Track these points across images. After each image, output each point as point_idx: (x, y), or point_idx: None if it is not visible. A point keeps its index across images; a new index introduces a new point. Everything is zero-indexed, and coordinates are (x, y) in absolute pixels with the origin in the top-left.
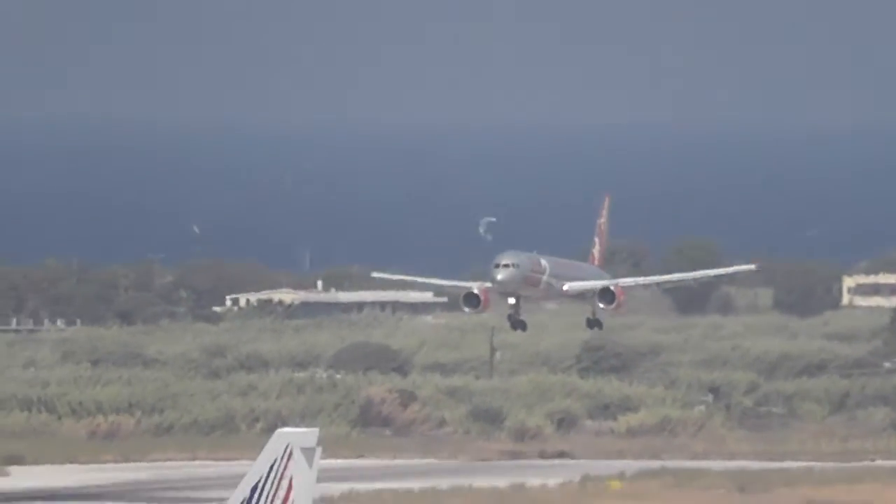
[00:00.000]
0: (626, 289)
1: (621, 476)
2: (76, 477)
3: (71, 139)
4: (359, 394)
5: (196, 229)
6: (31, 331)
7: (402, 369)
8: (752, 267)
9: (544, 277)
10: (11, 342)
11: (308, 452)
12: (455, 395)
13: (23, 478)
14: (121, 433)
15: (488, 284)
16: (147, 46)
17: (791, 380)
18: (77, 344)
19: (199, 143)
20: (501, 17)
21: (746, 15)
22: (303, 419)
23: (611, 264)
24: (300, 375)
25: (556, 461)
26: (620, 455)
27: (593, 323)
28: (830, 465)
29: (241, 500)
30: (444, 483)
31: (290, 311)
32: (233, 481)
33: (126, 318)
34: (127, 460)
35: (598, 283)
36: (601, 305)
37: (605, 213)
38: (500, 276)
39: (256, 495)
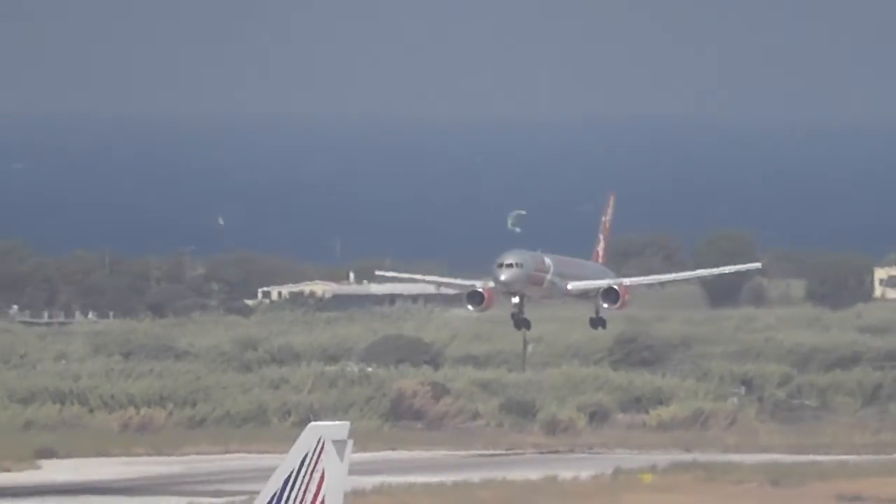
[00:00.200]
0: (630, 287)
1: (653, 469)
2: (108, 470)
3: (100, 134)
4: (390, 387)
5: (221, 221)
6: (63, 323)
7: (434, 362)
8: (758, 265)
9: (548, 276)
10: (43, 335)
11: (340, 445)
12: (487, 388)
13: (54, 471)
14: (153, 426)
15: (492, 283)
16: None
17: (824, 372)
18: (109, 336)
19: (226, 137)
20: (516, 14)
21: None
22: (334, 412)
23: (642, 258)
24: (332, 368)
25: (588, 454)
26: (652, 448)
27: (597, 322)
28: (863, 457)
29: (273, 492)
30: (475, 476)
31: (322, 303)
32: (265, 474)
33: (158, 310)
34: (159, 453)
35: (601, 283)
36: (605, 305)
37: (609, 211)
38: (503, 275)
39: (288, 488)
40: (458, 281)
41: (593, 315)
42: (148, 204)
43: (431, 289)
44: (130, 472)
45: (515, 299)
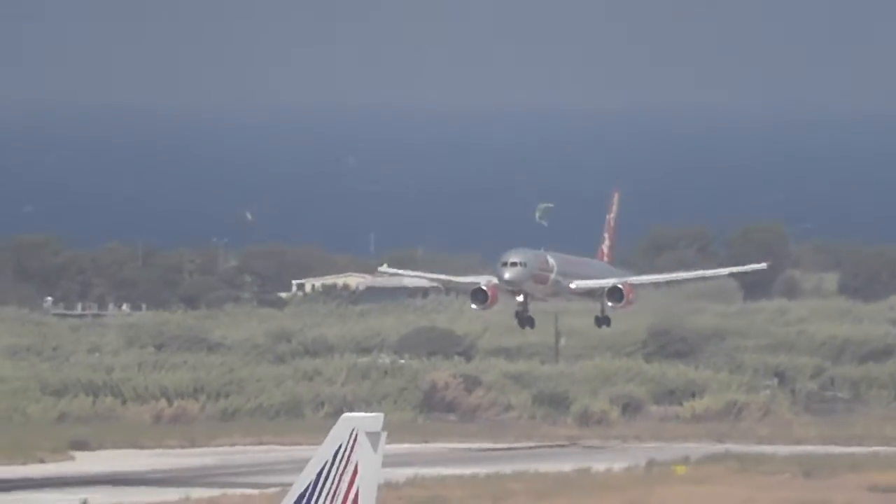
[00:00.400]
0: (635, 286)
1: (686, 461)
2: (141, 461)
3: (135, 127)
4: (423, 379)
5: (249, 216)
6: (96, 315)
7: (466, 354)
8: (763, 266)
9: (552, 275)
10: (77, 327)
11: (373, 437)
12: (520, 381)
13: (88, 462)
14: (185, 418)
15: (496, 281)
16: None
17: (856, 365)
18: (142, 329)
19: (260, 129)
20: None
21: None
22: (367, 404)
23: (676, 250)
24: (365, 360)
25: (621, 445)
26: (685, 440)
27: (602, 321)
28: (895, 449)
29: (306, 484)
30: (508, 468)
31: (356, 295)
32: (298, 466)
33: (191, 302)
34: (192, 445)
35: (606, 282)
36: (609, 304)
37: (614, 208)
38: (507, 274)
39: (321, 480)
40: (463, 279)
41: (598, 314)
42: (182, 196)
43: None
44: (163, 463)
45: (520, 298)
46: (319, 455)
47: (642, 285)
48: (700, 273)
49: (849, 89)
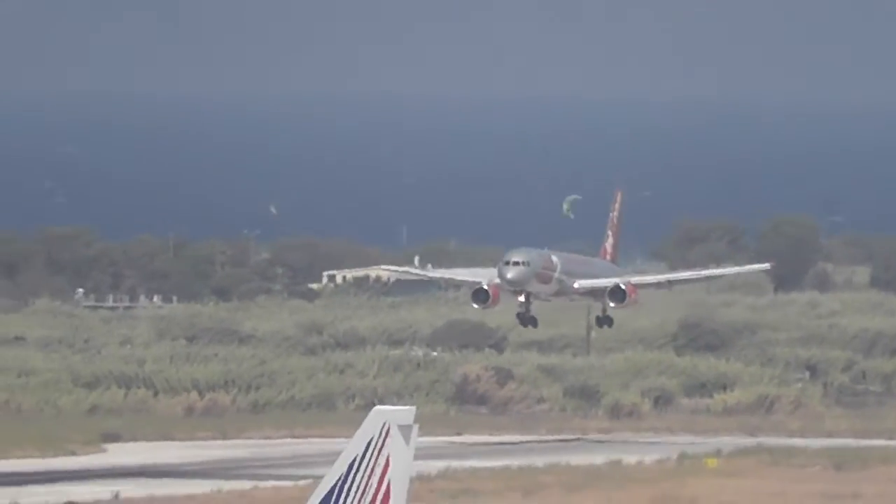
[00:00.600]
0: (638, 285)
1: (717, 454)
2: (173, 453)
3: (165, 117)
4: (455, 371)
5: (274, 210)
6: (128, 307)
7: (498, 347)
8: (767, 266)
9: (555, 274)
10: (108, 319)
11: (405, 430)
12: (551, 373)
13: (120, 455)
14: (217, 410)
15: (498, 280)
16: (226, 26)
17: (888, 358)
18: (173, 321)
19: (290, 119)
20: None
21: None
22: (399, 397)
23: (707, 243)
24: (396, 353)
25: (653, 438)
26: (717, 433)
27: (603, 321)
28: None
29: (337, 477)
30: (540, 461)
31: (387, 287)
32: (329, 458)
33: (222, 294)
34: (224, 437)
35: (609, 281)
36: (612, 304)
37: (617, 206)
38: (509, 274)
39: (353, 473)
40: (467, 278)
41: (599, 314)
42: (212, 188)
43: (494, 274)
44: (195, 455)
45: (522, 298)
46: (351, 448)
47: (677, 281)
48: (703, 273)
49: (884, 82)
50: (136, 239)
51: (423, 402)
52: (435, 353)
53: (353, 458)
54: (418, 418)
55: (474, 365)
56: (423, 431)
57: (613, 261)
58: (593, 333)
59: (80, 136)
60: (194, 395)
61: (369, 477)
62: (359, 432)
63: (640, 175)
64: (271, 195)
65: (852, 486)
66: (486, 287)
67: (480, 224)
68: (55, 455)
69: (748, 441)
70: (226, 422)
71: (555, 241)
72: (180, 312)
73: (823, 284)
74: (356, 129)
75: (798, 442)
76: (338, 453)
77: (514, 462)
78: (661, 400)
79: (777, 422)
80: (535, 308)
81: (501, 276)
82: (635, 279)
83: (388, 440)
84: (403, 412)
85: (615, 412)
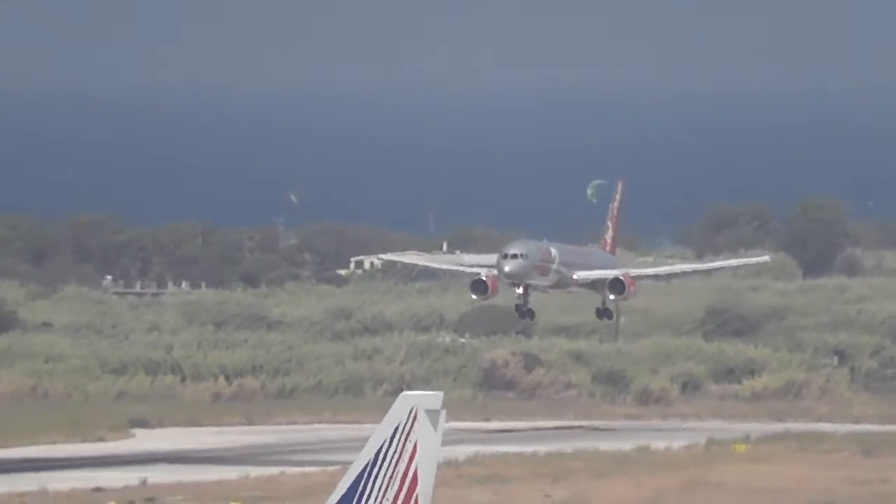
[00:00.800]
0: (636, 278)
1: (746, 439)
2: (201, 439)
3: (195, 104)
4: (483, 357)
5: (294, 199)
6: (156, 294)
7: (525, 332)
8: (766, 258)
9: (553, 266)
10: (136, 305)
11: (433, 415)
12: (579, 359)
13: (148, 440)
14: (245, 396)
15: (496, 272)
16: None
17: None
18: (201, 307)
19: (318, 108)
20: None
21: None
22: (427, 382)
23: (735, 227)
24: (424, 338)
25: (681, 424)
26: (745, 418)
27: (602, 313)
28: None
29: (364, 463)
30: (568, 446)
31: (415, 273)
32: (357, 444)
33: (250, 280)
34: (251, 423)
35: (608, 273)
36: (611, 296)
37: (618, 198)
38: (507, 267)
39: (380, 459)
40: (465, 269)
41: (599, 306)
42: (241, 173)
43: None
44: (223, 441)
45: (520, 290)
46: (378, 433)
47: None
48: (702, 266)
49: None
50: (165, 226)
51: (450, 388)
52: (463, 340)
53: (380, 443)
54: (446, 404)
55: (502, 350)
56: (451, 417)
57: (612, 251)
58: (622, 319)
59: (109, 124)
60: (222, 381)
61: (397, 462)
62: (386, 418)
63: (670, 161)
64: (300, 182)
65: (880, 471)
66: (484, 279)
67: (507, 210)
68: (83, 441)
69: (776, 427)
70: (253, 408)
71: (581, 228)
72: (208, 298)
73: (852, 269)
74: (389, 116)
75: (826, 427)
76: (365, 439)
77: (543, 448)
78: (690, 385)
79: (805, 407)
80: (553, 295)
81: (499, 269)
82: (634, 271)
83: (415, 426)
84: (431, 397)
85: (643, 398)
